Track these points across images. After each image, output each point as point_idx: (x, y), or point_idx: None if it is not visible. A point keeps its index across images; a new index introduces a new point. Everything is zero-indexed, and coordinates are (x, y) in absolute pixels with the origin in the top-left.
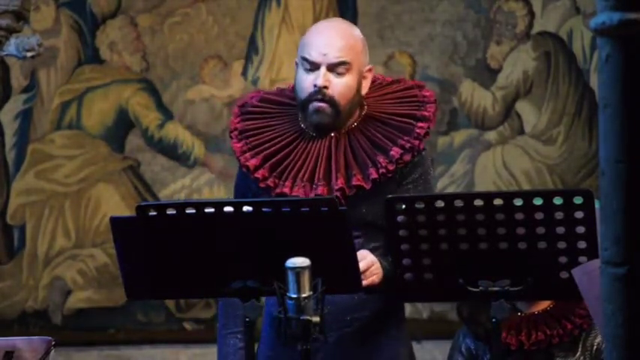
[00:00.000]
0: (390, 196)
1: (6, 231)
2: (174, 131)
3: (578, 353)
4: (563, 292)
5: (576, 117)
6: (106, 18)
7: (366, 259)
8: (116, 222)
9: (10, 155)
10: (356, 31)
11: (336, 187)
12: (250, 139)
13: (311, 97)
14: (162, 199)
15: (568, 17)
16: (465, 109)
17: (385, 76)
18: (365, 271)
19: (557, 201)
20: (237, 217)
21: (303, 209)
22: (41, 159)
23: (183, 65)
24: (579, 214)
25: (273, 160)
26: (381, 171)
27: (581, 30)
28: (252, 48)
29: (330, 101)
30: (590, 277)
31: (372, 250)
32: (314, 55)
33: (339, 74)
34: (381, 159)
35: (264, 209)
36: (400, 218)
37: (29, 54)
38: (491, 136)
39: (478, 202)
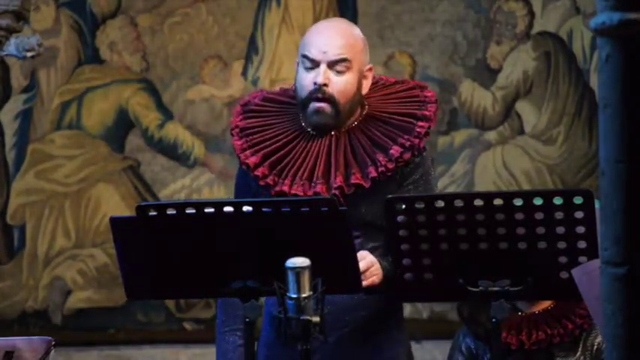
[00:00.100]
0: (390, 196)
1: (6, 231)
2: (174, 131)
3: (579, 353)
4: (563, 292)
5: (576, 117)
6: (106, 18)
7: (366, 259)
8: (116, 222)
9: (10, 155)
10: (356, 31)
11: (335, 186)
12: (251, 137)
13: (311, 95)
14: (162, 199)
15: (568, 17)
16: (465, 109)
17: (388, 77)
18: (365, 271)
19: (557, 201)
20: (237, 217)
21: (303, 209)
22: (41, 159)
23: (183, 65)
24: (579, 214)
25: (273, 158)
26: (380, 169)
27: (581, 30)
28: (252, 48)
29: (330, 100)
30: (590, 277)
31: (372, 250)
32: (314, 53)
33: (339, 72)
34: (380, 157)
35: (264, 209)
36: (400, 218)
37: (29, 54)
38: (491, 136)
39: (478, 202)
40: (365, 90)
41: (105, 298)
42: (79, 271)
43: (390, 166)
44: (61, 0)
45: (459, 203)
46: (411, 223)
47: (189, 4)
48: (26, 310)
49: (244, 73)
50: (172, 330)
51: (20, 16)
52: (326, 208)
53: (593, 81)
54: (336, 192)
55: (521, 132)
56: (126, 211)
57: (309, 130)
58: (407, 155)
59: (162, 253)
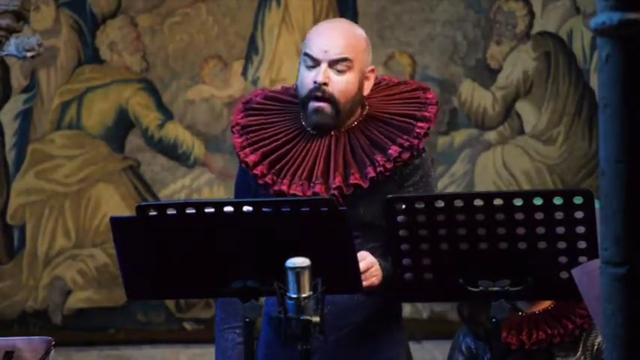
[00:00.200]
0: (390, 196)
1: (6, 231)
2: (174, 131)
3: (579, 353)
4: (563, 292)
5: (576, 117)
6: (106, 18)
7: (366, 259)
8: (116, 222)
9: (10, 155)
10: (359, 31)
11: (334, 186)
12: (251, 135)
13: (310, 94)
14: (162, 199)
15: (568, 17)
16: (465, 109)
17: (391, 78)
18: (365, 272)
19: (557, 201)
20: (237, 217)
21: (303, 209)
22: (41, 159)
23: (183, 65)
24: (579, 214)
25: (273, 156)
26: (378, 169)
27: (581, 30)
28: (252, 48)
29: (330, 99)
30: (590, 277)
31: (371, 251)
32: (315, 52)
33: (340, 72)
34: (379, 157)
35: (264, 209)
36: (400, 218)
37: (29, 54)
38: (491, 136)
39: (478, 202)
40: (367, 91)
41: (105, 298)
42: (79, 271)
43: (389, 166)
44: (61, 0)
45: (459, 203)
46: (411, 223)
47: (189, 4)
48: (26, 310)
49: (244, 73)
50: (172, 330)
51: (20, 16)
52: (326, 208)
53: (593, 81)
54: (335, 192)
55: (521, 132)
56: (126, 211)
57: (309, 129)
58: (405, 155)
59: (163, 253)
